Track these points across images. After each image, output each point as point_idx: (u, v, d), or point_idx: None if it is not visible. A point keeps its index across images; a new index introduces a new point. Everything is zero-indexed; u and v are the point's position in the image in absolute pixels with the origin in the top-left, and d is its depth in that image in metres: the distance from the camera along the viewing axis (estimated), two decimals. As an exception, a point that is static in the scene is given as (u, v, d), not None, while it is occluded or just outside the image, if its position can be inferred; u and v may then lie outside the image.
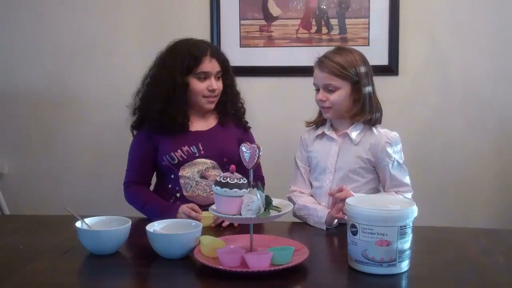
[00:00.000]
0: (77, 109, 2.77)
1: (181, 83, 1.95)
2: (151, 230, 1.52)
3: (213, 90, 1.99)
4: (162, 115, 1.95)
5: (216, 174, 1.97)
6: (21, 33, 2.76)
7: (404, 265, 1.38)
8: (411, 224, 1.38)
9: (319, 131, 1.94)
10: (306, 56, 2.58)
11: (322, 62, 1.85)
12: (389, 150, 1.83)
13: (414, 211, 1.38)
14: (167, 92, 1.95)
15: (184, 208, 1.84)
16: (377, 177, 1.88)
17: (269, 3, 2.63)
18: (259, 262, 1.36)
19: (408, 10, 2.55)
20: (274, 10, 2.63)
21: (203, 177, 1.97)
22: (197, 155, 1.98)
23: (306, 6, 2.61)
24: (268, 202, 1.42)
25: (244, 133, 2.11)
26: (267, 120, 2.63)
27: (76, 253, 1.56)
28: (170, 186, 2.00)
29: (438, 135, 2.61)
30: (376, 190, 1.89)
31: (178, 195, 1.98)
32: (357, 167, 1.85)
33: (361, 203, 1.41)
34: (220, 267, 1.37)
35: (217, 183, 1.43)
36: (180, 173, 1.97)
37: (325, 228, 1.77)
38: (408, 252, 1.38)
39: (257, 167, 1.96)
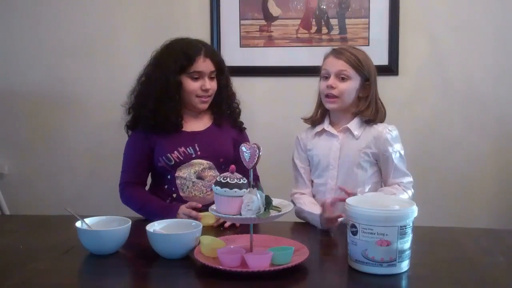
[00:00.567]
0: (77, 109, 2.77)
1: (174, 82, 1.95)
2: (151, 230, 1.52)
3: (206, 90, 1.98)
4: (155, 114, 1.95)
5: (213, 174, 1.97)
6: (21, 33, 2.76)
7: (404, 265, 1.38)
8: (411, 224, 1.38)
9: (318, 129, 1.94)
10: (306, 56, 2.60)
11: (339, 51, 1.89)
12: (392, 141, 1.85)
13: (414, 211, 1.38)
14: (161, 91, 1.95)
15: (183, 209, 1.84)
16: (380, 170, 1.89)
17: (269, 3, 2.62)
18: (259, 262, 1.36)
19: (408, 10, 2.54)
20: (274, 10, 2.63)
21: (199, 177, 1.97)
22: (193, 156, 1.97)
23: (306, 6, 2.61)
24: (268, 202, 1.42)
25: (240, 134, 2.11)
26: (267, 120, 2.63)
27: (76, 253, 1.56)
28: (166, 187, 1.99)
29: (438, 135, 2.61)
30: (380, 184, 1.90)
31: (174, 195, 1.98)
32: (361, 161, 1.86)
33: (361, 203, 1.41)
34: (220, 267, 1.37)
35: (217, 183, 1.43)
36: (176, 174, 1.97)
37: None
38: (408, 252, 1.38)
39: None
